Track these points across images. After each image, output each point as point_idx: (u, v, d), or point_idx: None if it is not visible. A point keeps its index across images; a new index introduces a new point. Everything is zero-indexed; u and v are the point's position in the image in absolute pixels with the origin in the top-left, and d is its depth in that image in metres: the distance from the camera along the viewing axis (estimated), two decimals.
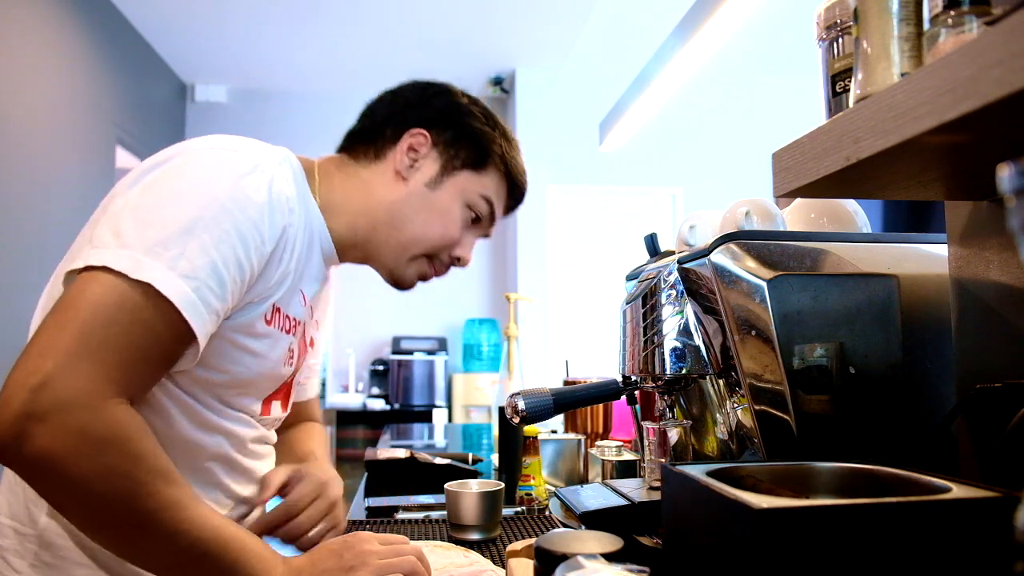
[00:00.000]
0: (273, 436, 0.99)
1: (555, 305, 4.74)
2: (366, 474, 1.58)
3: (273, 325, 0.85)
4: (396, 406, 4.81)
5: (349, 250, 0.96)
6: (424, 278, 1.00)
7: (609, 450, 1.31)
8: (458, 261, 1.00)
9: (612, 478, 1.27)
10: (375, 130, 0.97)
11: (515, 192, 1.03)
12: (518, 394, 1.02)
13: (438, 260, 0.99)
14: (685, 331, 0.94)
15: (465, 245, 0.99)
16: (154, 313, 0.69)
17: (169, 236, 0.70)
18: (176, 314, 0.70)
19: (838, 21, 0.72)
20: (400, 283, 0.99)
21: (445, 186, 0.95)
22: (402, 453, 1.53)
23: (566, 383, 1.69)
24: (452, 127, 0.96)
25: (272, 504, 0.95)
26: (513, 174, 1.00)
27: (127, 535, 0.70)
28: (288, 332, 0.89)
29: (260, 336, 0.84)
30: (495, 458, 1.57)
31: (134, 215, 0.72)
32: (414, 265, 0.97)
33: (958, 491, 0.56)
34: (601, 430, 1.60)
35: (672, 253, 1.07)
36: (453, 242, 0.97)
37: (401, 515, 1.30)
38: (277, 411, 0.96)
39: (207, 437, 0.84)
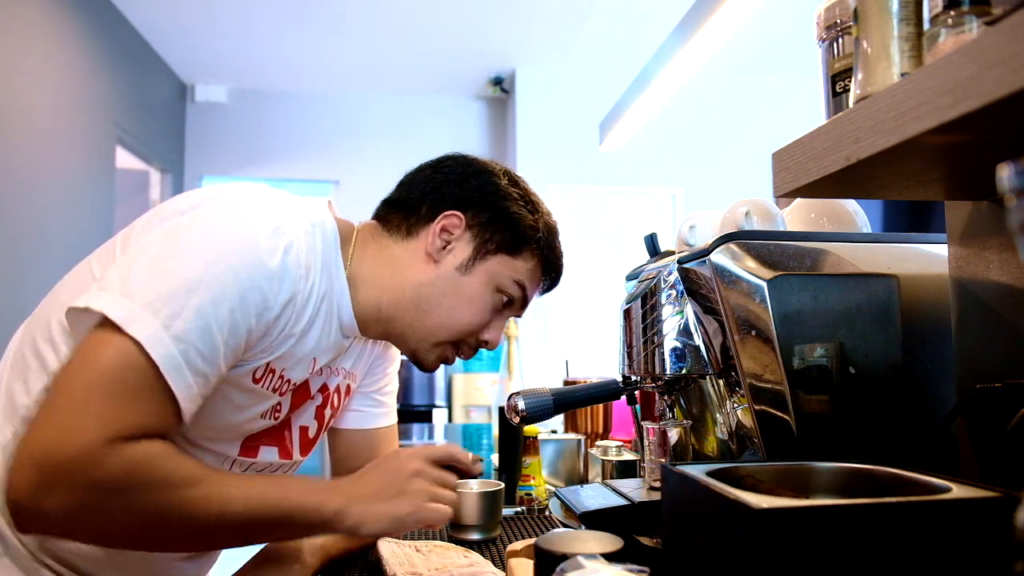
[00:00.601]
0: None
1: (555, 305, 4.74)
2: None
3: (261, 384, 0.83)
4: (396, 406, 4.81)
5: (372, 324, 0.93)
6: (447, 362, 0.97)
7: (609, 450, 1.31)
8: (486, 344, 0.97)
9: (612, 478, 1.27)
10: (411, 205, 0.95)
11: (551, 275, 0.99)
12: (518, 394, 1.02)
13: (464, 345, 0.96)
14: (685, 331, 0.94)
15: (493, 329, 0.96)
16: (154, 373, 0.69)
17: (170, 292, 0.70)
18: (161, 374, 0.69)
19: (838, 21, 0.72)
20: (421, 366, 0.97)
21: (477, 271, 0.92)
22: None
23: (566, 383, 1.69)
24: (488, 209, 0.93)
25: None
26: (549, 258, 0.97)
27: (174, 540, 0.74)
28: (280, 393, 0.87)
29: (244, 391, 0.83)
30: (495, 458, 1.57)
31: (145, 262, 0.72)
32: (438, 350, 0.95)
33: (958, 491, 0.56)
34: (601, 430, 1.60)
35: (672, 253, 1.07)
36: (481, 328, 0.95)
37: None
38: (271, 456, 0.92)
39: None
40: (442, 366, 0.98)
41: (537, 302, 1.04)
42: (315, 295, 0.83)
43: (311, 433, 0.98)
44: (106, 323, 0.68)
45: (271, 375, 0.84)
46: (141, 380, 0.68)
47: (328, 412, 1.00)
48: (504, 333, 2.02)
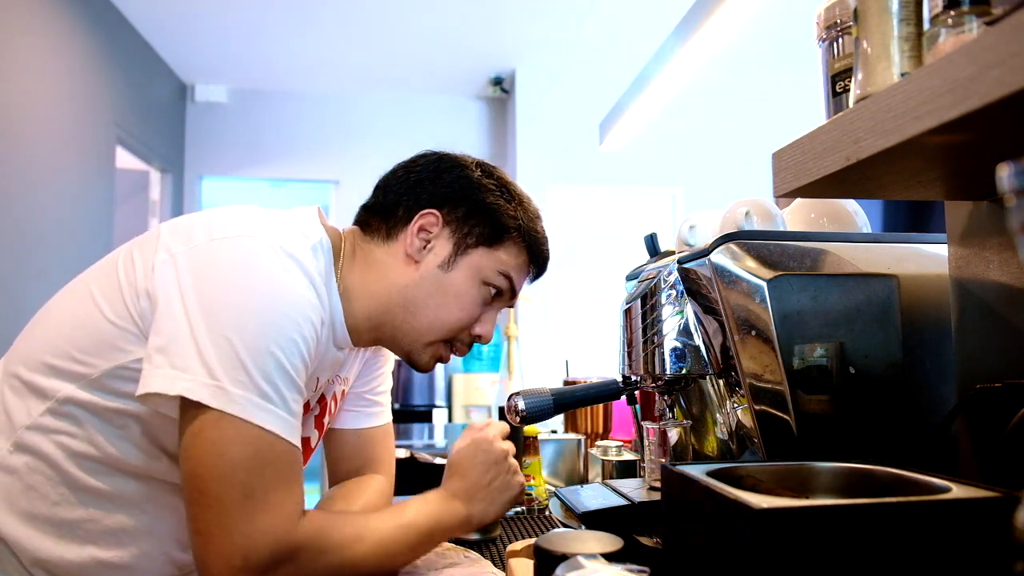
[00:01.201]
0: None
1: (555, 305, 4.74)
2: None
3: None
4: (396, 406, 4.81)
5: (364, 334, 0.93)
6: (442, 360, 0.97)
7: (609, 450, 1.31)
8: (479, 339, 0.96)
9: (612, 478, 1.27)
10: (388, 208, 0.94)
11: (537, 261, 0.98)
12: (518, 394, 1.02)
13: (458, 341, 0.96)
14: (685, 331, 0.94)
15: (485, 322, 0.95)
16: (277, 440, 0.73)
17: (253, 362, 0.72)
18: (282, 438, 0.74)
19: (838, 21, 0.72)
20: (416, 367, 0.96)
21: (459, 266, 0.91)
22: (402, 453, 1.52)
23: (566, 383, 1.69)
24: (464, 203, 0.92)
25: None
26: (533, 245, 0.96)
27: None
28: None
29: None
30: None
31: (208, 335, 0.72)
32: (431, 349, 0.94)
33: (958, 491, 0.56)
34: (601, 430, 1.60)
35: (672, 253, 1.07)
36: (472, 323, 0.94)
37: None
38: None
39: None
40: (442, 366, 0.98)
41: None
42: (322, 315, 0.84)
43: (313, 443, 0.99)
44: (204, 407, 0.71)
45: None
46: (277, 455, 0.73)
47: (327, 419, 1.01)
48: (504, 333, 2.01)
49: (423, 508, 0.88)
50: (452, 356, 0.99)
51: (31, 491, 0.78)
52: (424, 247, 0.91)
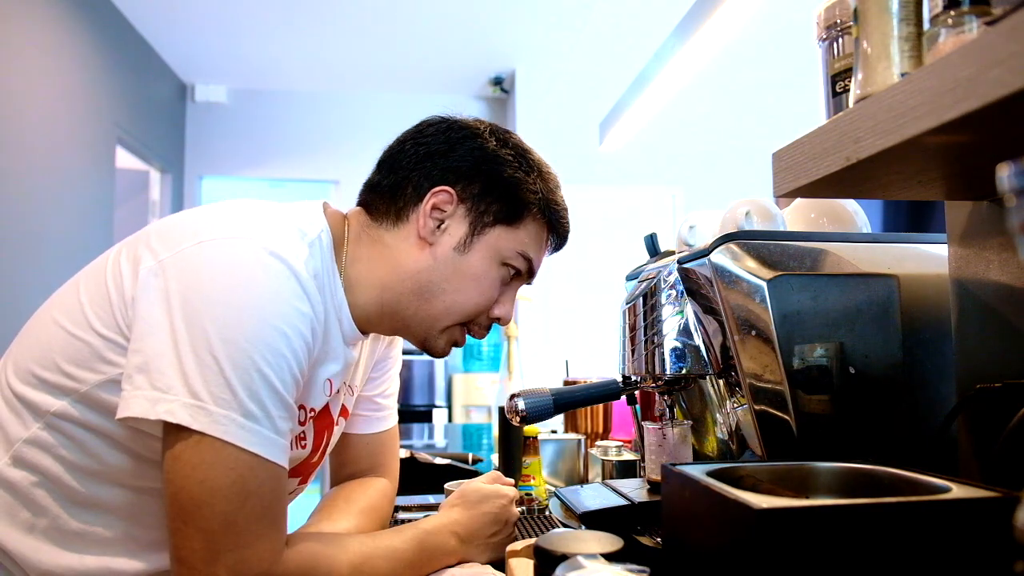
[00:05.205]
0: None
1: (555, 305, 4.74)
2: None
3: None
4: (397, 407, 4.81)
5: (374, 324, 0.89)
6: (457, 344, 0.93)
7: (609, 450, 1.31)
8: (498, 320, 0.92)
9: (612, 478, 1.27)
10: (395, 187, 0.87)
11: (558, 235, 0.93)
12: (518, 394, 1.02)
13: (475, 324, 0.91)
14: (685, 331, 0.94)
15: (504, 303, 0.91)
16: (258, 462, 0.70)
17: (239, 380, 0.69)
18: (266, 459, 0.71)
19: (838, 21, 0.72)
20: (432, 352, 0.92)
21: (476, 247, 0.86)
22: (402, 453, 1.53)
23: (566, 383, 1.69)
24: (480, 178, 0.86)
25: None
26: (554, 219, 0.90)
27: None
28: (300, 423, 0.85)
29: None
30: (495, 458, 1.57)
31: (192, 354, 0.68)
32: (447, 334, 0.90)
33: (958, 491, 0.56)
34: (601, 430, 1.60)
35: (672, 253, 1.07)
36: (490, 306, 0.89)
37: (401, 515, 1.30)
38: (291, 485, 0.91)
39: None
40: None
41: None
42: (322, 317, 0.80)
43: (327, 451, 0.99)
44: (185, 428, 0.67)
45: (301, 411, 0.83)
46: (260, 482, 0.70)
47: (336, 431, 1.00)
48: (504, 333, 2.02)
49: (424, 542, 0.86)
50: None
51: (32, 504, 0.77)
52: (438, 227, 0.86)
